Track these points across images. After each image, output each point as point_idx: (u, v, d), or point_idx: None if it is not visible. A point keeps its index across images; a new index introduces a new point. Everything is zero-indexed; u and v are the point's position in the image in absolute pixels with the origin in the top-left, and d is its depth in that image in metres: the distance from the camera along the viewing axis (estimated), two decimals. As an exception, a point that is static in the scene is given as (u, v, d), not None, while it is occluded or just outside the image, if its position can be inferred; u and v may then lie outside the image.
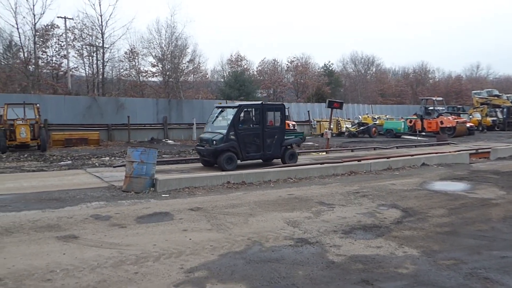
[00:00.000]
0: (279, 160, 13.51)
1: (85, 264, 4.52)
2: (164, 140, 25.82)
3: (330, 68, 56.22)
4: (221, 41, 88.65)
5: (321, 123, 33.94)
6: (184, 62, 38.44)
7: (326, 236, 5.71)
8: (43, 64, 32.52)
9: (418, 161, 13.21)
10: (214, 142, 12.15)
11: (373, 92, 54.89)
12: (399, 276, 4.34)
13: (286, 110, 29.50)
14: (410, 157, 13.91)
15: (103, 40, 32.13)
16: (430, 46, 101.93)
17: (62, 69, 33.82)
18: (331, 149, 19.33)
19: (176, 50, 36.24)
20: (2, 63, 31.75)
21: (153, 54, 36.50)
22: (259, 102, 13.54)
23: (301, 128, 31.20)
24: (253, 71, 52.71)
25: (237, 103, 15.15)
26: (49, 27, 32.14)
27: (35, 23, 29.24)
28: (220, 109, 13.63)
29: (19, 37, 29.43)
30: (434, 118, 31.01)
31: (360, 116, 36.14)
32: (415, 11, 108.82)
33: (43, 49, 32.50)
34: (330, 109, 20.10)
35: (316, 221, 6.51)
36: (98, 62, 33.80)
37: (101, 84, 32.72)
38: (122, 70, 36.90)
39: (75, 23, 32.79)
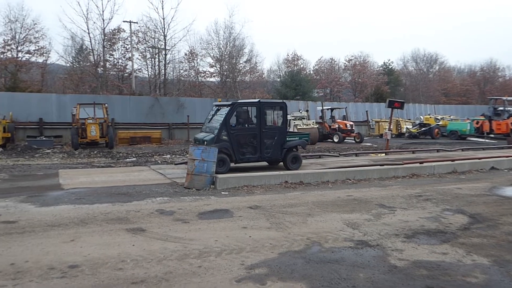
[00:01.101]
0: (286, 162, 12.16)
1: (152, 256, 4.77)
2: (221, 139, 26.41)
3: (390, 67, 54.34)
4: (278, 41, 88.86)
5: (379, 123, 32.97)
6: (241, 62, 39.19)
7: (387, 239, 5.57)
8: (110, 66, 34.58)
9: (487, 164, 12.44)
10: (205, 142, 11.15)
11: (435, 92, 52.37)
12: (467, 285, 4.14)
13: (344, 109, 29.29)
14: (477, 160, 13.13)
15: (165, 42, 33.50)
16: (499, 42, 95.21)
17: (127, 71, 35.75)
18: (391, 150, 18.72)
19: (234, 50, 36.97)
20: (75, 66, 34.16)
21: (211, 54, 37.53)
22: (256, 100, 12.43)
23: (358, 128, 30.48)
24: (309, 71, 52.40)
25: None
26: (116, 31, 34.11)
27: (104, 28, 31.18)
28: (217, 108, 12.50)
29: (90, 41, 31.54)
30: (504, 119, 28.95)
31: (421, 117, 34.58)
32: (482, 6, 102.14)
33: (110, 52, 34.57)
34: (390, 109, 19.51)
35: (377, 223, 6.37)
36: (160, 63, 35.34)
37: (163, 84, 34.10)
38: (181, 71, 38.32)
39: (139, 26, 34.58)
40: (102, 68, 32.54)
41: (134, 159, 15.44)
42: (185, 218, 6.48)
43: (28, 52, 33.03)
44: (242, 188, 8.90)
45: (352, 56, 51.67)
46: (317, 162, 14.41)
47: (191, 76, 38.84)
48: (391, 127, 23.64)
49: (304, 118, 24.81)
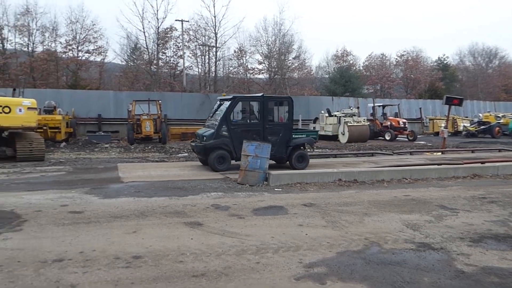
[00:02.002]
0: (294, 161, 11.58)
1: (211, 250, 4.84)
2: (270, 136, 26.43)
3: (445, 62, 51.83)
4: (327, 37, 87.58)
5: (434, 121, 31.59)
6: (289, 58, 38.99)
7: (451, 243, 5.30)
8: (162, 64, 35.67)
9: (558, 165, 11.53)
10: (204, 138, 10.89)
11: (495, 88, 49.38)
12: (546, 295, 3.85)
13: (396, 106, 28.29)
14: (547, 161, 12.22)
15: (216, 40, 34.05)
16: None
17: (179, 68, 36.71)
18: (447, 149, 17.88)
19: (282, 47, 36.84)
20: (130, 64, 35.57)
21: (260, 51, 37.64)
22: (259, 95, 11.77)
23: (412, 126, 29.34)
24: (359, 67, 51.20)
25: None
26: (168, 30, 35.10)
27: (158, 27, 32.19)
28: (220, 102, 11.94)
29: (145, 40, 32.67)
30: None
31: (480, 114, 32.72)
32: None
33: (163, 50, 35.63)
34: (446, 106, 18.61)
35: (438, 225, 6.08)
36: (210, 61, 35.95)
37: (213, 81, 34.69)
38: (231, 68, 38.76)
39: (190, 25, 35.31)
40: (155, 66, 33.63)
41: (186, 154, 15.82)
42: (240, 214, 6.53)
43: (88, 51, 34.84)
44: (295, 185, 8.84)
45: (404, 51, 49.94)
46: (369, 160, 14.04)
47: (240, 73, 39.21)
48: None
49: (354, 115, 24.27)
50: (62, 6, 64.72)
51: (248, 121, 11.49)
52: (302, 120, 28.59)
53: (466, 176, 10.46)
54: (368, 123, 24.53)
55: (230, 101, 11.09)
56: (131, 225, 5.81)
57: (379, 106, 27.35)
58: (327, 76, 50.36)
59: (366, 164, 12.47)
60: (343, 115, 24.43)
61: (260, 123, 11.17)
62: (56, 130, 18.57)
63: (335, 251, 4.91)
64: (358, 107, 26.72)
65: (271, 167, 11.49)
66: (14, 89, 15.81)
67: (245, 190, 8.43)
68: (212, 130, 10.85)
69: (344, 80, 42.33)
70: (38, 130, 14.81)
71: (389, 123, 25.64)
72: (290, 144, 11.47)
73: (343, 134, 23.30)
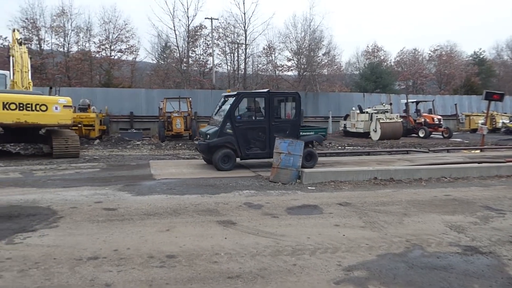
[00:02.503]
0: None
1: (245, 251, 4.70)
2: (300, 133, 26.14)
3: (481, 56, 49.77)
4: (357, 32, 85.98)
5: (470, 117, 30.39)
6: (319, 55, 38.42)
7: (501, 246, 4.95)
8: (192, 62, 35.94)
9: None
10: (208, 136, 10.48)
11: (537, 82, 47.01)
12: None
13: (431, 103, 27.35)
14: None
15: (245, 37, 33.99)
16: None
17: (208, 66, 36.88)
18: (485, 147, 17.09)
19: (312, 43, 36.34)
20: (160, 62, 36.05)
21: (289, 48, 37.27)
22: (265, 90, 11.32)
23: (446, 123, 28.33)
24: (390, 62, 49.94)
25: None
26: (198, 28, 35.31)
27: (189, 25, 32.42)
28: (224, 99, 11.49)
29: (176, 38, 33.00)
30: None
31: (521, 110, 31.26)
32: None
33: (193, 48, 35.89)
34: (485, 101, 17.81)
35: (485, 228, 5.72)
36: (239, 58, 35.93)
37: (242, 79, 34.68)
38: (260, 65, 38.60)
39: (219, 23, 35.39)
40: (185, 64, 33.92)
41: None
42: (274, 213, 6.36)
43: (120, 50, 35.54)
44: (329, 183, 8.59)
45: (438, 46, 48.30)
46: (404, 158, 13.58)
47: (269, 70, 38.99)
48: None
49: (387, 112, 23.63)
50: (96, 6, 66.62)
51: (254, 118, 11.02)
52: (332, 117, 28.21)
53: (510, 175, 9.90)
54: (401, 119, 23.82)
55: (234, 98, 10.63)
56: (164, 223, 5.76)
57: (412, 102, 26.55)
58: (357, 72, 49.42)
59: (401, 162, 12.05)
60: (375, 111, 23.85)
61: (266, 120, 10.74)
62: (90, 128, 18.99)
63: (375, 254, 4.68)
64: (391, 104, 25.98)
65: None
66: (51, 88, 16.25)
67: (278, 188, 8.26)
68: (216, 128, 10.46)
69: (375, 76, 41.34)
70: (73, 127, 15.15)
71: (423, 119, 24.86)
72: None
73: (375, 131, 22.74)
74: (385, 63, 48.23)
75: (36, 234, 5.17)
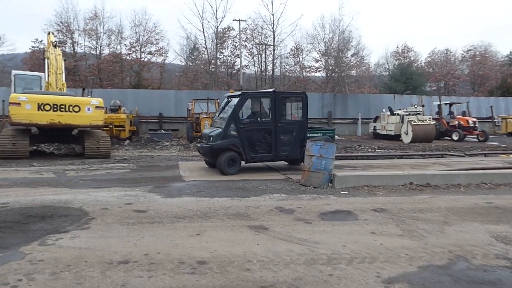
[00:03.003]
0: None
1: (278, 258, 4.52)
2: (328, 135, 25.76)
3: (518, 57, 47.72)
4: (387, 33, 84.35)
5: (507, 120, 29.12)
6: (347, 56, 37.84)
7: (555, 261, 4.58)
8: (220, 63, 36.10)
9: None
10: (211, 138, 9.94)
11: None
12: None
13: (465, 104, 26.38)
14: None
15: (274, 38, 33.89)
16: None
17: (235, 67, 36.96)
18: (526, 151, 16.29)
19: (341, 44, 35.82)
20: (189, 64, 36.40)
21: (317, 49, 36.89)
22: (271, 90, 10.85)
23: (482, 125, 27.26)
24: (421, 63, 48.67)
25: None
26: (226, 30, 35.46)
27: (217, 26, 32.59)
28: (228, 100, 10.97)
29: (204, 40, 33.24)
30: None
31: (563, 112, 29.72)
32: None
33: (221, 50, 36.06)
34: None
35: (534, 239, 5.33)
36: (267, 59, 35.82)
37: (270, 80, 34.58)
38: (287, 67, 38.39)
39: (247, 24, 35.42)
40: (213, 66, 34.10)
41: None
42: (306, 218, 6.16)
43: (150, 52, 36.11)
44: (362, 188, 8.30)
45: (471, 46, 46.66)
46: (439, 162, 13.07)
47: (296, 71, 38.72)
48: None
49: (419, 114, 22.92)
50: (127, 10, 67.93)
51: (259, 119, 10.54)
52: (361, 119, 27.66)
53: (556, 182, 9.31)
54: (434, 122, 23.06)
55: (238, 98, 10.13)
56: (194, 226, 5.65)
57: (445, 104, 25.67)
58: (386, 73, 48.41)
59: (436, 166, 11.57)
60: (407, 113, 23.18)
61: (272, 122, 10.26)
62: (121, 128, 19.27)
63: (416, 265, 4.40)
64: (423, 105, 25.21)
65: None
66: (83, 89, 16.57)
67: (309, 192, 8.03)
68: (220, 130, 9.95)
69: (405, 77, 40.31)
70: (104, 128, 15.38)
71: (456, 122, 24.00)
72: (304, 144, 10.10)
73: (407, 134, 22.10)
74: (416, 64, 47.05)
75: (68, 236, 5.16)
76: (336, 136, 25.23)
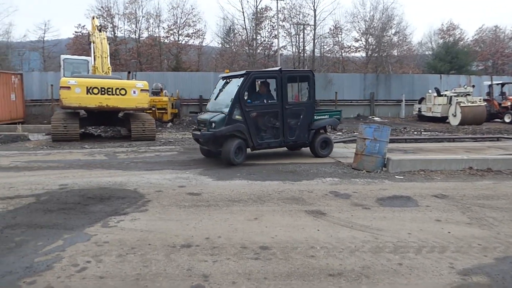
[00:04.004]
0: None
1: (342, 245, 4.37)
2: (370, 117, 25.11)
3: None
4: (430, 10, 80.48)
5: None
6: (389, 35, 36.43)
7: None
8: (257, 45, 35.69)
9: None
10: (213, 124, 8.79)
11: None
12: None
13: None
14: None
15: (314, 17, 33.17)
16: None
17: (273, 48, 36.43)
18: None
19: (382, 22, 34.51)
20: (226, 46, 36.26)
21: (357, 28, 35.75)
22: (276, 68, 9.76)
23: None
24: (467, 41, 46.15)
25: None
26: (263, 10, 34.88)
27: (257, 6, 32.17)
28: (224, 81, 9.86)
29: (244, 21, 32.93)
30: None
31: None
32: None
33: (257, 31, 35.57)
34: None
35: None
36: (305, 40, 35.08)
37: (310, 61, 33.97)
38: (325, 47, 37.44)
39: (285, 3, 34.67)
40: (251, 47, 33.80)
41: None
42: (364, 204, 5.95)
43: (187, 35, 36.13)
44: (419, 172, 7.95)
45: (524, 22, 43.63)
46: (495, 145, 12.38)
47: (335, 51, 37.73)
48: None
49: (469, 95, 21.81)
50: (164, -7, 68.05)
51: (266, 101, 9.55)
52: (405, 100, 26.70)
53: None
54: (485, 103, 21.88)
55: (242, 78, 9.01)
56: (250, 210, 5.58)
57: (497, 84, 24.28)
58: (428, 53, 46.33)
59: (493, 150, 10.97)
60: (455, 94, 22.11)
61: (278, 104, 9.30)
62: (163, 111, 19.51)
63: (491, 257, 4.12)
64: (473, 86, 23.94)
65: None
66: (129, 72, 16.82)
67: (362, 176, 7.78)
68: (223, 115, 8.83)
69: (450, 57, 38.38)
70: (148, 111, 15.60)
71: (509, 103, 22.69)
72: (312, 128, 9.75)
73: (455, 116, 21.12)
74: (462, 42, 44.67)
75: (128, 218, 5.22)
76: (378, 118, 24.62)
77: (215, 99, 9.84)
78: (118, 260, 3.95)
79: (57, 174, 7.93)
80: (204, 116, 9.54)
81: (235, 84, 9.21)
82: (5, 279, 3.57)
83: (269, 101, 9.53)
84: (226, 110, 8.82)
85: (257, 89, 9.87)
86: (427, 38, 49.37)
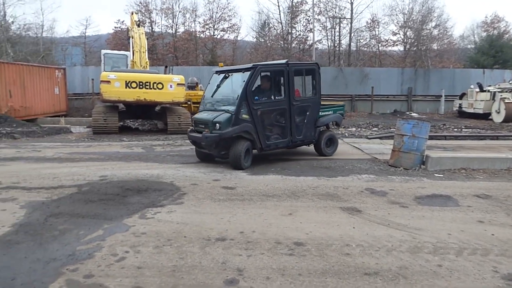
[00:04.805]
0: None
1: (378, 244, 4.28)
2: (407, 113, 24.38)
3: None
4: (473, 2, 77.00)
5: None
6: (428, 28, 35.21)
7: None
8: (292, 39, 35.44)
9: None
10: (218, 125, 7.87)
11: None
12: None
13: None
14: None
15: (351, 10, 32.61)
16: None
17: (308, 42, 36.05)
18: None
19: (421, 15, 33.41)
20: (260, 40, 36.23)
21: (395, 21, 34.79)
22: (283, 61, 8.95)
23: None
24: (513, 34, 43.84)
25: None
26: (299, 3, 34.54)
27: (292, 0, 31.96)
28: (222, 76, 8.80)
29: (279, 14, 32.80)
30: None
31: None
32: None
33: (293, 25, 35.31)
34: None
35: None
36: (340, 33, 34.52)
37: (348, 54, 33.46)
38: (361, 41, 36.67)
39: (321, -3, 34.19)
40: (286, 41, 33.63)
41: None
42: (401, 202, 5.80)
43: (222, 29, 36.39)
44: (459, 171, 7.66)
45: None
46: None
47: (372, 45, 36.87)
48: None
49: (515, 91, 20.75)
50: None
51: (273, 97, 8.63)
52: (445, 96, 25.77)
53: None
54: (532, 100, 20.75)
55: (249, 72, 8.04)
56: (285, 206, 5.56)
57: (545, 79, 22.98)
58: (470, 46, 44.42)
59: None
60: (499, 90, 21.10)
61: (286, 100, 8.48)
62: (198, 105, 19.71)
63: (541, 262, 3.92)
64: (519, 81, 22.77)
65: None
66: (166, 67, 17.12)
67: (400, 174, 7.59)
68: (228, 114, 7.92)
69: (494, 50, 36.67)
70: (184, 105, 15.85)
71: (556, 99, 21.41)
72: (318, 125, 9.16)
73: (498, 113, 20.17)
74: (507, 36, 42.50)
75: (164, 210, 5.33)
76: (415, 114, 23.88)
77: (211, 96, 8.88)
78: (155, 251, 4.05)
79: (97, 165, 8.21)
80: (203, 115, 8.50)
81: (239, 79, 8.34)
82: (50, 265, 3.74)
83: (276, 97, 8.74)
84: (232, 108, 7.94)
85: (260, 83, 8.82)
86: (469, 31, 47.44)
